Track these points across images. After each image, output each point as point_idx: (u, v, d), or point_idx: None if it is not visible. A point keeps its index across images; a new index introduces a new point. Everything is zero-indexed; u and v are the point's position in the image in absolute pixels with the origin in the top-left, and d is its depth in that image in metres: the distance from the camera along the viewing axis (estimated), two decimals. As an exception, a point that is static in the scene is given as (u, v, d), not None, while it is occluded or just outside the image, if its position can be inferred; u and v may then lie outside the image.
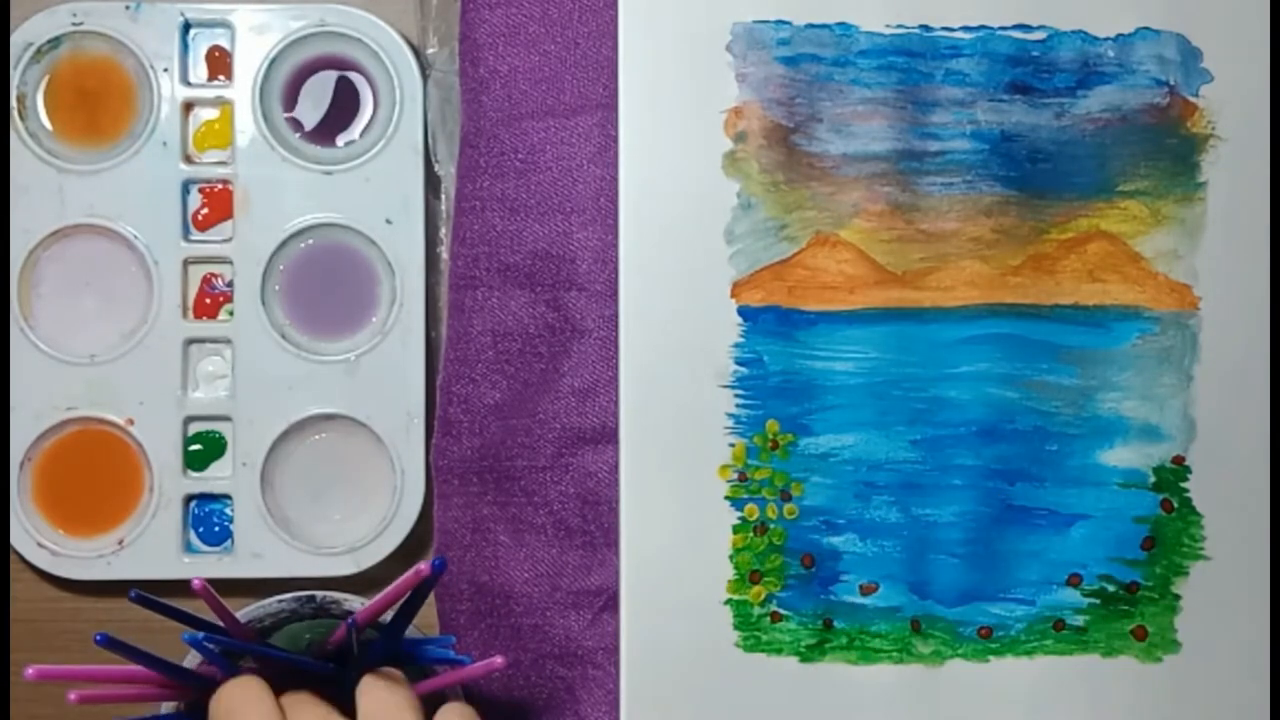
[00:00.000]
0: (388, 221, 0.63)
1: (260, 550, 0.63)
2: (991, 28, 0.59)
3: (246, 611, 0.55)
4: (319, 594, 0.55)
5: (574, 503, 0.61)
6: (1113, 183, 0.59)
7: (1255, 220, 0.59)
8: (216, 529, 0.63)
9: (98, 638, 0.46)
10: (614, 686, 0.59)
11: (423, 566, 0.49)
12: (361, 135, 0.64)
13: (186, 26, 0.63)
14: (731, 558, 0.59)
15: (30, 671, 0.45)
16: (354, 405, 0.63)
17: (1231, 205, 0.59)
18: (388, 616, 0.53)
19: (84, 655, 0.63)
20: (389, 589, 0.51)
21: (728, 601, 0.59)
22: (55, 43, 0.63)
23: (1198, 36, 0.59)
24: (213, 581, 0.62)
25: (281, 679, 0.52)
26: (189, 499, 0.63)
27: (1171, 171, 0.59)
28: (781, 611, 0.59)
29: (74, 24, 0.62)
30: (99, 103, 0.63)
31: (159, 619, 0.65)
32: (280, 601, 0.55)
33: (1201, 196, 0.59)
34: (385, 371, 0.63)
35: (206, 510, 0.64)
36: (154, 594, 0.64)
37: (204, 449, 0.63)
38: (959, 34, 0.59)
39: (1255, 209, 0.59)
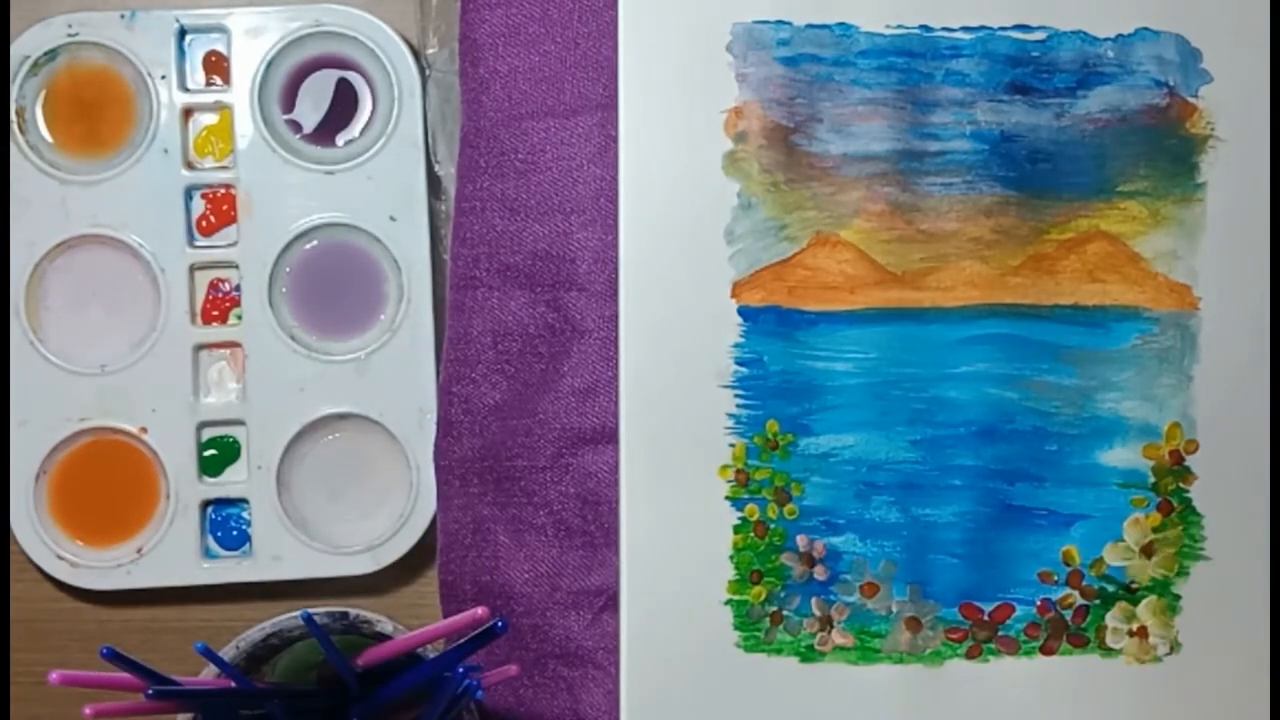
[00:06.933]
0: (391, 219, 0.63)
1: (279, 552, 0.63)
2: (991, 28, 0.59)
3: (276, 621, 0.54)
4: (352, 611, 0.55)
5: (574, 503, 0.61)
6: (1112, 183, 0.59)
7: (1255, 220, 0.59)
8: (235, 533, 0.64)
9: (103, 651, 0.46)
10: (614, 686, 0.59)
11: (480, 612, 0.49)
12: (361, 134, 0.64)
13: (182, 33, 0.63)
14: (732, 558, 0.59)
15: (54, 676, 0.45)
16: (366, 404, 0.63)
17: (1231, 205, 0.59)
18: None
19: (83, 656, 0.63)
20: (424, 630, 0.51)
21: (728, 601, 0.59)
22: (52, 55, 0.63)
23: (1197, 37, 0.59)
24: (233, 585, 0.63)
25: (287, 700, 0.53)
26: (205, 504, 0.63)
27: (1171, 172, 0.59)
28: (782, 612, 0.59)
29: (70, 35, 0.62)
30: (98, 113, 0.63)
31: (162, 621, 0.65)
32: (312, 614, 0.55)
33: (1201, 197, 0.59)
34: (396, 368, 0.63)
35: (224, 515, 0.64)
36: (174, 601, 0.64)
37: (218, 454, 0.64)
38: (959, 34, 0.59)
39: (1255, 209, 0.59)
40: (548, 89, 0.61)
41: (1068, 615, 0.59)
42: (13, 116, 0.62)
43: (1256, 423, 0.59)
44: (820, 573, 0.59)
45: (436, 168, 0.63)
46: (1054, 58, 0.59)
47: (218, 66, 0.64)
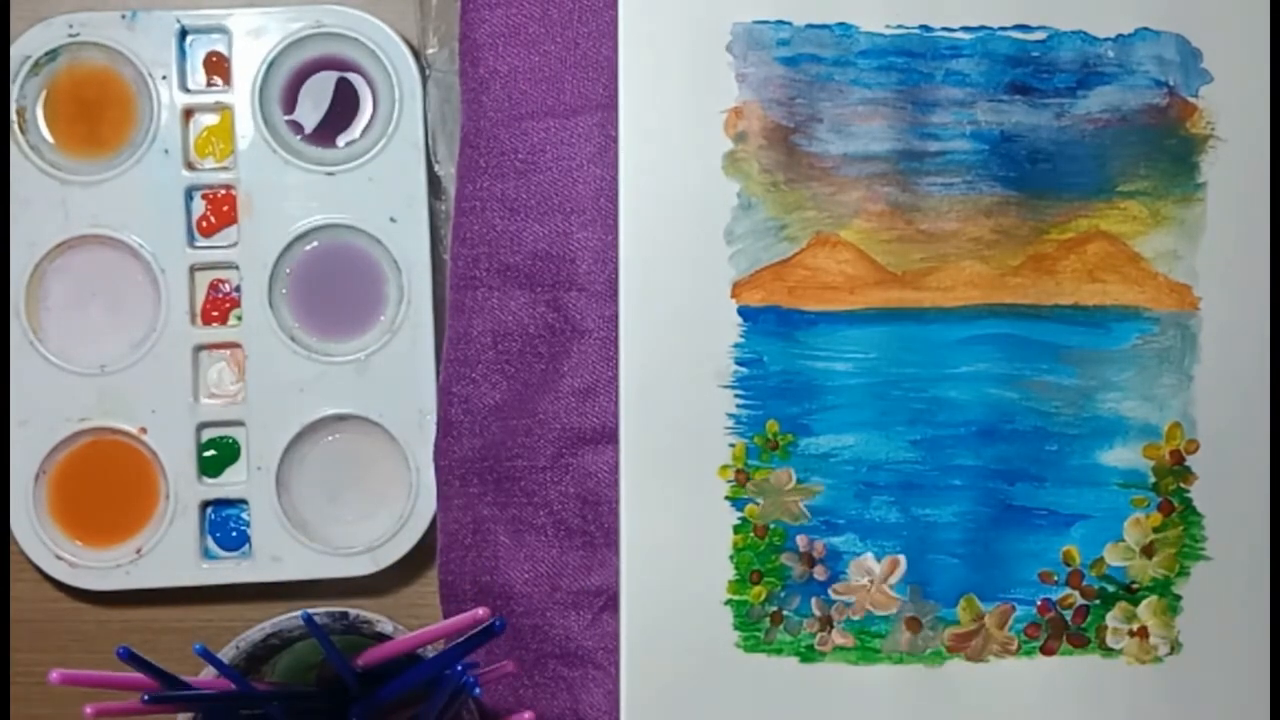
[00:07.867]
0: (392, 220, 0.63)
1: (279, 553, 0.63)
2: (991, 28, 0.59)
3: (276, 621, 0.54)
4: (352, 611, 0.55)
5: (574, 503, 0.61)
6: (1112, 183, 0.59)
7: (1255, 220, 0.59)
8: (234, 534, 0.64)
9: (119, 651, 0.46)
10: (614, 686, 0.59)
11: (481, 613, 0.49)
12: (362, 135, 0.64)
13: (183, 33, 0.63)
14: (732, 558, 0.59)
15: (54, 676, 0.45)
16: (366, 405, 0.63)
17: (1231, 205, 0.59)
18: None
19: (83, 656, 0.63)
20: (423, 631, 0.51)
21: (728, 601, 0.59)
22: (53, 55, 0.63)
23: (1198, 37, 0.59)
24: (233, 586, 0.63)
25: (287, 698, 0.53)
26: (205, 505, 0.63)
27: (1171, 172, 0.59)
28: (782, 612, 0.59)
29: (71, 35, 0.62)
30: (99, 113, 0.63)
31: (162, 622, 0.65)
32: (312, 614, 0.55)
33: (1201, 197, 0.59)
34: (395, 370, 0.63)
35: (223, 516, 0.64)
36: (174, 601, 0.64)
37: (218, 454, 0.64)
38: (959, 34, 0.59)
39: (1255, 209, 0.59)
40: (548, 89, 0.61)
41: (1068, 615, 0.59)
42: (13, 116, 0.62)
43: (1257, 423, 0.59)
44: (820, 573, 0.59)
45: (436, 168, 0.63)
46: (1054, 58, 0.59)
47: (218, 67, 0.64)
